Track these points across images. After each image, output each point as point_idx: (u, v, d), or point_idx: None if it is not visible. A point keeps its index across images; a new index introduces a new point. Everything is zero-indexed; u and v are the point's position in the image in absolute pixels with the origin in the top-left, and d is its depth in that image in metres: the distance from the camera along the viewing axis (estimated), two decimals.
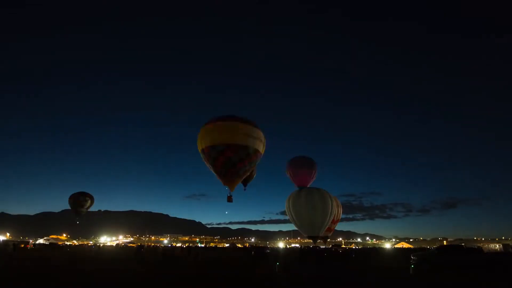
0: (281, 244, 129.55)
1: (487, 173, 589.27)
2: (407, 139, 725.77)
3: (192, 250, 29.84)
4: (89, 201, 27.19)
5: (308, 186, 23.45)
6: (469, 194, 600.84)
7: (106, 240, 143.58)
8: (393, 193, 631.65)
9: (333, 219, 20.84)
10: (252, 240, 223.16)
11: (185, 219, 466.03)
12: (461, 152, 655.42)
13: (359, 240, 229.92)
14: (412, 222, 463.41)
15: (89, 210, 27.42)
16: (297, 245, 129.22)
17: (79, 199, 26.47)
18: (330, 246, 58.87)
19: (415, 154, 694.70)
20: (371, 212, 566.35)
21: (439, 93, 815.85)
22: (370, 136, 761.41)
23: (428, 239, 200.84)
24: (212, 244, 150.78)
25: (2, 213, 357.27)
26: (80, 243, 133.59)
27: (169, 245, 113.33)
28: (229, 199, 18.00)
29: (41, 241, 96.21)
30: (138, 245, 44.35)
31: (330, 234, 25.25)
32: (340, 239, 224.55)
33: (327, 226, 20.82)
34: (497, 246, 26.05)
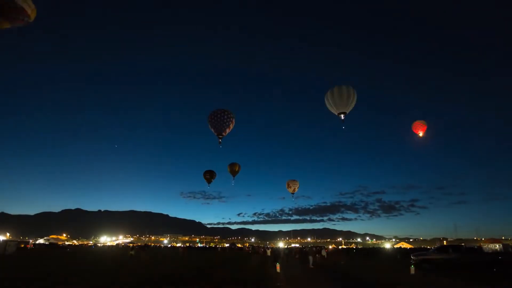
0: (281, 244, 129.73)
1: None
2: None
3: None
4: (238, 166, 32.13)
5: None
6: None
7: (106, 240, 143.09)
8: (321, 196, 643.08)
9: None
10: (252, 240, 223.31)
11: (185, 219, 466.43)
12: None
13: (359, 240, 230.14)
14: (412, 222, 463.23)
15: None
16: (297, 245, 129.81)
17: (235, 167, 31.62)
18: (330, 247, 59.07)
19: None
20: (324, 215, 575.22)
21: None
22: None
23: (429, 239, 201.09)
24: (212, 244, 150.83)
25: (2, 213, 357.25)
26: (80, 243, 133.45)
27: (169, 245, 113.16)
28: None
29: (41, 241, 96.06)
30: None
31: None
32: (340, 239, 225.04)
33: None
34: (497, 246, 26.05)
